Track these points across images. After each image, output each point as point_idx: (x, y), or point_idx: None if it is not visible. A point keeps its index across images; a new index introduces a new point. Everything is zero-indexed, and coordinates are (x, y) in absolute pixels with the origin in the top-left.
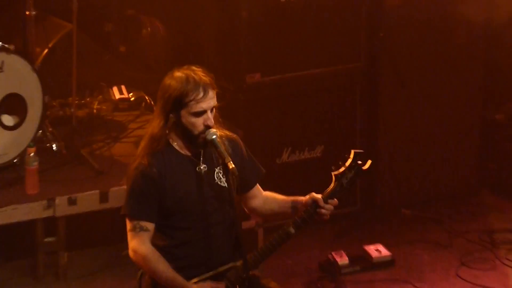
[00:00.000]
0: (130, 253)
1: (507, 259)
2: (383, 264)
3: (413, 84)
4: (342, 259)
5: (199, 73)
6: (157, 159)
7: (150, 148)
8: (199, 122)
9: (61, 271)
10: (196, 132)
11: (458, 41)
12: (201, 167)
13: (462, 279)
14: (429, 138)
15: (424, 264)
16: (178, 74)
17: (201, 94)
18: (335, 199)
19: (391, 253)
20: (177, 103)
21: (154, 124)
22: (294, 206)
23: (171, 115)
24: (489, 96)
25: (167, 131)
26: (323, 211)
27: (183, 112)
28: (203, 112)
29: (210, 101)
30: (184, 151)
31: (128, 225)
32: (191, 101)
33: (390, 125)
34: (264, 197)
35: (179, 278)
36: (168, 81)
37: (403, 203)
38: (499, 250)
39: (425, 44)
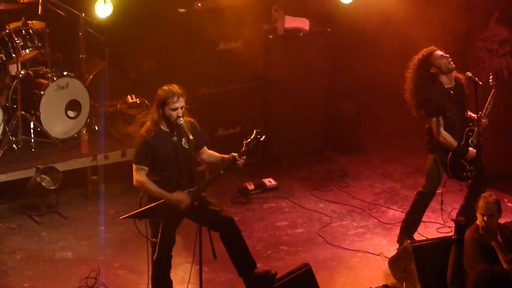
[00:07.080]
0: (134, 182)
1: (338, 185)
2: (273, 188)
3: (289, 91)
4: (251, 186)
5: (175, 87)
6: (151, 133)
7: (150, 127)
8: (174, 114)
9: (101, 194)
10: (172, 119)
11: (315, 64)
12: (174, 138)
13: (315, 196)
14: (297, 119)
15: (295, 188)
16: (164, 87)
17: (175, 99)
18: (244, 157)
19: (276, 183)
20: (163, 103)
21: (153, 115)
22: (223, 160)
23: (160, 109)
24: (330, 96)
25: (159, 118)
26: (238, 162)
27: (166, 108)
28: (176, 108)
29: (180, 103)
30: (166, 129)
31: (134, 167)
32: (169, 102)
33: (276, 113)
34: (209, 153)
35: (163, 191)
36: (160, 92)
37: (283, 155)
38: (334, 181)
39: (294, 67)
